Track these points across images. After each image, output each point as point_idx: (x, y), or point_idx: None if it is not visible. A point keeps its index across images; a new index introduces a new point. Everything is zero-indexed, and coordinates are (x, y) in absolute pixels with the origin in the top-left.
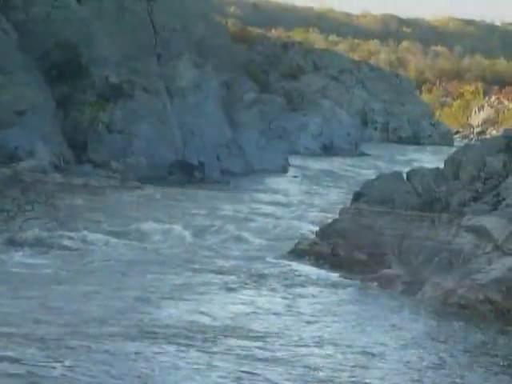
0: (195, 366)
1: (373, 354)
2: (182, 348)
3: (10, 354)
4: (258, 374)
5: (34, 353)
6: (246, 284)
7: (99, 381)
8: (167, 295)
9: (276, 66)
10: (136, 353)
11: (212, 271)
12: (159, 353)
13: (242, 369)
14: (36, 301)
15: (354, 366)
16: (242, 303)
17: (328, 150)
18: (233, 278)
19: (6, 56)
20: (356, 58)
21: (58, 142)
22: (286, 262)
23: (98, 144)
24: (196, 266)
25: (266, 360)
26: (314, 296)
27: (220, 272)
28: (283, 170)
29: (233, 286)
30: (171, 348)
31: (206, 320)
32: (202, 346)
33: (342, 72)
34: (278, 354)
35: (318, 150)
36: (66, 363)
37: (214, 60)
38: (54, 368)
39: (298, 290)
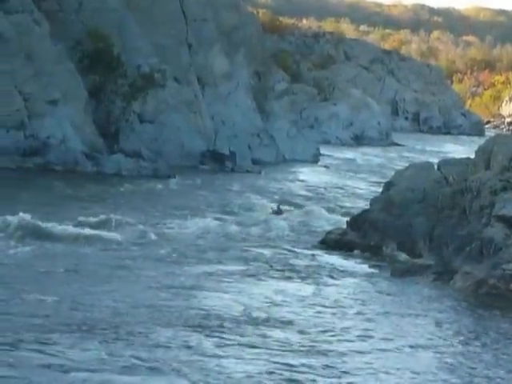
0: (233, 355)
1: (402, 343)
2: (220, 337)
3: (66, 341)
4: (294, 365)
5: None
6: (278, 274)
7: (145, 366)
8: (203, 285)
9: (307, 55)
10: (176, 340)
11: (245, 261)
12: (198, 341)
13: (277, 358)
14: (92, 288)
15: (386, 355)
16: (275, 293)
17: (359, 140)
18: (265, 268)
19: (38, 46)
20: (387, 47)
21: (89, 132)
22: (317, 252)
23: (130, 133)
24: (228, 257)
25: (301, 350)
26: (345, 286)
27: (252, 262)
28: (314, 159)
29: (265, 276)
30: (210, 336)
31: (240, 310)
32: (238, 335)
33: (372, 62)
34: (313, 344)
35: (349, 139)
36: (120, 349)
37: (244, 50)
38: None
39: (329, 280)
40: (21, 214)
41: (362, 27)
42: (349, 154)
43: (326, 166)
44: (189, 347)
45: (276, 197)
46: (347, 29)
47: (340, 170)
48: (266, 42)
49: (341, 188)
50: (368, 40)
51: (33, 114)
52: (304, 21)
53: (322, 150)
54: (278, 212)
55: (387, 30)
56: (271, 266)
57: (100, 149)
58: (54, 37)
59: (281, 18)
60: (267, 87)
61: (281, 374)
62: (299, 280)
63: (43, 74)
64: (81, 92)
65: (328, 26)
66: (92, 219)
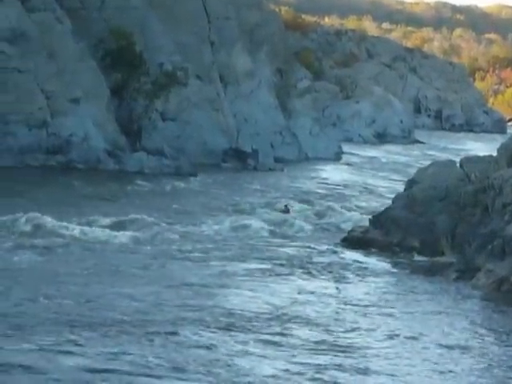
0: (258, 353)
1: (428, 341)
2: (245, 335)
3: (74, 339)
4: (320, 364)
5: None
6: (301, 272)
7: (171, 365)
8: (225, 284)
9: (329, 53)
10: (201, 339)
11: (267, 260)
12: (223, 340)
13: (303, 357)
14: (118, 287)
15: (412, 355)
16: (299, 291)
17: (381, 138)
18: (288, 266)
19: (60, 44)
20: (409, 45)
21: (111, 130)
22: (340, 250)
23: (152, 131)
24: (251, 255)
25: (327, 348)
26: (368, 283)
27: (275, 261)
28: (336, 157)
29: (288, 274)
30: (234, 335)
31: (264, 308)
32: (263, 334)
33: (395, 59)
34: (338, 342)
35: (371, 137)
36: (144, 349)
37: (267, 48)
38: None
39: (352, 278)
40: (40, 212)
41: (385, 25)
42: (371, 151)
43: (348, 164)
44: (214, 346)
45: (297, 195)
46: (369, 26)
47: (362, 168)
48: (288, 39)
49: (363, 186)
50: (390, 38)
51: (55, 113)
52: (326, 18)
53: (345, 148)
54: (286, 211)
55: (409, 28)
56: (294, 265)
57: (122, 147)
58: (76, 35)
59: (303, 16)
60: (289, 85)
61: (307, 373)
62: (322, 278)
63: (65, 73)
64: (103, 90)
65: (350, 23)
66: (113, 218)
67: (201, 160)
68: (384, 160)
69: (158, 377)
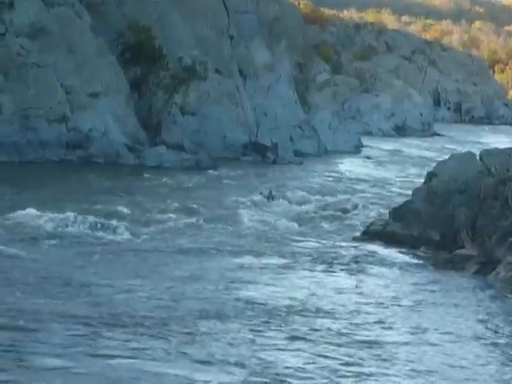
0: (281, 347)
1: (450, 334)
2: (268, 328)
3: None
4: (343, 356)
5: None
6: (321, 265)
7: (193, 357)
8: (246, 277)
9: (348, 46)
10: (224, 333)
11: (287, 253)
12: (246, 333)
13: (326, 350)
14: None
15: (434, 348)
16: (319, 284)
17: (400, 131)
18: (307, 259)
19: (79, 39)
20: (428, 38)
21: (131, 124)
22: (360, 243)
23: (172, 126)
24: (270, 248)
25: (350, 341)
26: (388, 276)
27: (295, 254)
28: (356, 150)
29: (308, 267)
30: (257, 328)
31: (285, 301)
32: (286, 327)
33: (414, 52)
34: (361, 335)
35: (391, 130)
36: (168, 343)
37: (286, 41)
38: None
39: (372, 271)
40: (59, 207)
41: (404, 18)
42: (391, 144)
43: (368, 157)
44: (237, 339)
45: (317, 188)
46: (388, 19)
47: (382, 161)
48: (307, 33)
49: (383, 179)
50: (409, 30)
51: (75, 107)
52: (345, 12)
53: (364, 141)
54: (270, 198)
55: (428, 21)
56: (314, 258)
57: (142, 141)
58: (95, 29)
59: (322, 9)
60: (309, 78)
61: (330, 366)
62: (342, 271)
63: (85, 67)
64: (122, 85)
65: (369, 16)
66: (132, 212)
67: (220, 154)
68: (403, 153)
69: (182, 369)
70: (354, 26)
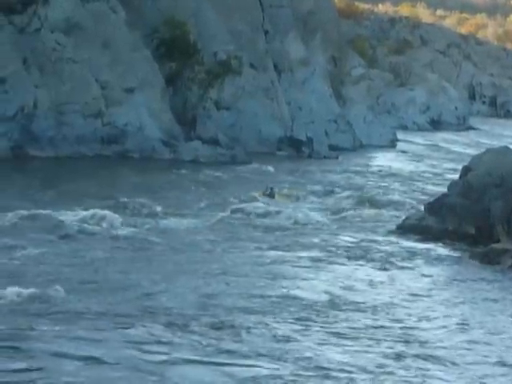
0: (320, 342)
1: (489, 330)
2: (306, 323)
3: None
4: (382, 352)
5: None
6: (357, 260)
7: (232, 352)
8: (283, 272)
9: (383, 40)
10: (262, 328)
11: (323, 247)
12: (284, 327)
13: (365, 345)
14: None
15: (475, 345)
16: (354, 279)
17: (435, 125)
18: (343, 254)
19: (114, 34)
20: (463, 32)
21: (166, 119)
22: (395, 238)
23: (207, 120)
24: (306, 242)
25: (389, 336)
26: (424, 271)
27: (330, 248)
28: (391, 144)
29: (343, 262)
30: (295, 323)
31: (322, 296)
32: (323, 322)
33: (449, 46)
34: (399, 330)
35: (426, 124)
36: (207, 338)
37: (321, 35)
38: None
39: (408, 265)
40: (97, 201)
41: (438, 12)
42: (426, 138)
43: (403, 151)
44: (276, 334)
45: (352, 182)
46: (423, 13)
47: (417, 155)
48: (342, 27)
49: (418, 173)
50: (444, 24)
51: (110, 102)
52: (380, 6)
53: (399, 135)
54: (270, 195)
55: (463, 15)
56: (349, 252)
57: (177, 136)
58: (130, 24)
59: (356, 3)
60: (343, 73)
61: (369, 359)
62: (378, 265)
63: (120, 62)
64: (158, 79)
65: (404, 10)
66: (168, 206)
67: (255, 149)
68: (439, 147)
69: (219, 364)
70: (389, 20)
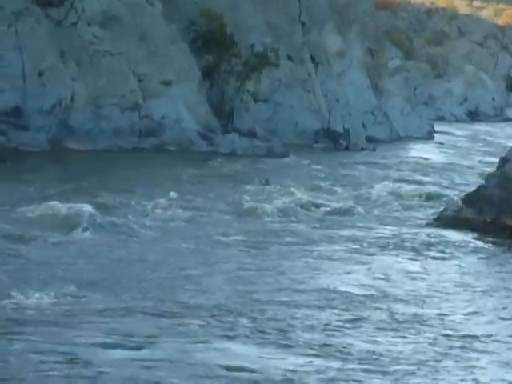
0: (361, 333)
1: None
2: (346, 315)
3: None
4: (420, 341)
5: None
6: (394, 252)
7: (274, 342)
8: (318, 264)
9: (420, 32)
10: (303, 320)
11: (359, 239)
12: (324, 319)
13: (406, 337)
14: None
15: (505, 334)
16: (392, 271)
17: (473, 116)
18: (380, 245)
19: (151, 27)
20: (500, 23)
21: (203, 112)
22: (432, 229)
23: (244, 113)
24: (344, 235)
25: (425, 325)
26: (464, 263)
27: (367, 240)
28: (429, 136)
29: (380, 253)
30: (336, 314)
31: (358, 287)
32: (364, 313)
33: (486, 37)
34: (440, 322)
35: (463, 115)
36: (245, 329)
37: (357, 27)
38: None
39: (448, 257)
40: (132, 194)
41: (476, 3)
42: (463, 130)
43: (440, 143)
44: (321, 327)
45: (390, 174)
46: (460, 5)
47: (455, 147)
48: (378, 18)
49: (455, 164)
50: (481, 15)
51: (147, 95)
52: None
53: (437, 127)
54: (265, 184)
55: (500, 5)
56: (386, 244)
57: (214, 128)
58: (166, 17)
59: None
60: (380, 64)
61: (408, 349)
62: (416, 257)
63: (157, 55)
64: (194, 72)
65: (441, 2)
66: (206, 198)
67: (292, 141)
68: (476, 138)
69: (260, 355)
70: (426, 12)
